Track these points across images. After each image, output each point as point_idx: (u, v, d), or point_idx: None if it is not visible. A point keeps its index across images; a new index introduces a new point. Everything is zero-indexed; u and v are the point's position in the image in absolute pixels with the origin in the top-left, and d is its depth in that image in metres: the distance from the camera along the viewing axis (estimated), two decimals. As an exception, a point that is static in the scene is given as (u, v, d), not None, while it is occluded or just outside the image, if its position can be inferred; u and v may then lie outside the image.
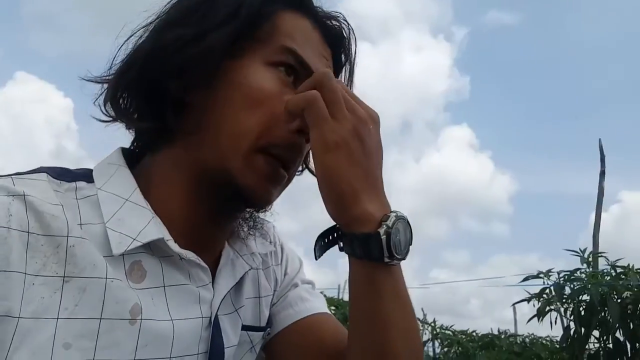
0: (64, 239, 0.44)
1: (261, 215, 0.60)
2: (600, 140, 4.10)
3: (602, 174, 4.03)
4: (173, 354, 0.47)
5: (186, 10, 0.53)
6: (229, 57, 0.51)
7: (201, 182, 0.53)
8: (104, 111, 0.55)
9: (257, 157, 0.51)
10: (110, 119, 0.55)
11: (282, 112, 0.52)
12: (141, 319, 0.45)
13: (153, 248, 0.49)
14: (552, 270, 2.66)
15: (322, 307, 0.66)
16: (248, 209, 0.57)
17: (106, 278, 0.44)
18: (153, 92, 0.52)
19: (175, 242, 0.49)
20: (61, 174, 0.49)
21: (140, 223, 0.48)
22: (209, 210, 0.54)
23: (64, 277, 0.43)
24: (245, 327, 0.57)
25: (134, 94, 0.53)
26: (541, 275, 2.68)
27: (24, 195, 0.43)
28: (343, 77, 0.62)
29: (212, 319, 0.52)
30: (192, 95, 0.52)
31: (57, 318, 0.41)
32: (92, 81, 0.55)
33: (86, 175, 0.51)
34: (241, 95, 0.51)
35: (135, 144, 0.58)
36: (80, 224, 0.46)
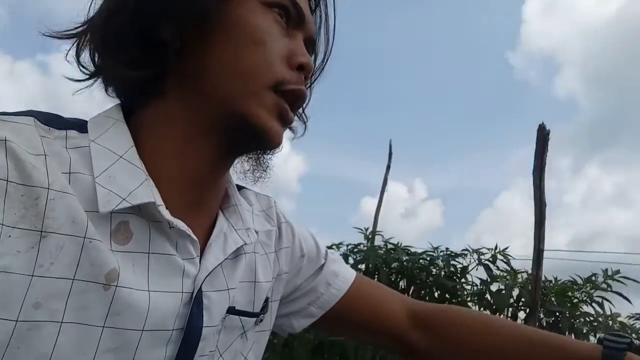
0: (45, 191, 0.40)
1: (265, 168, 0.57)
2: (390, 140, 4.85)
3: (388, 167, 4.79)
4: (146, 327, 0.44)
5: None
6: None
7: (204, 130, 0.50)
8: (81, 67, 0.51)
9: (268, 95, 0.49)
10: (87, 76, 0.52)
11: (284, 53, 0.51)
12: (116, 286, 0.42)
13: (143, 210, 0.46)
14: (342, 243, 3.16)
15: (351, 271, 0.70)
16: (256, 152, 0.55)
17: (84, 237, 0.41)
18: (146, 39, 0.48)
19: (166, 208, 0.47)
20: (51, 120, 0.46)
21: (132, 183, 0.45)
22: (208, 163, 0.51)
23: (41, 231, 0.39)
24: (236, 312, 0.53)
25: (125, 41, 0.49)
26: (334, 247, 3.16)
27: (5, 140, 0.40)
28: (318, 15, 0.60)
29: (194, 294, 0.48)
30: (187, 40, 0.49)
31: (32, 275, 0.38)
32: (63, 37, 0.51)
33: (79, 125, 0.47)
34: (244, 34, 0.49)
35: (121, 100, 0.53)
36: (69, 173, 0.43)
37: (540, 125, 2.74)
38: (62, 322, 0.40)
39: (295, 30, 0.53)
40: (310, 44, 0.57)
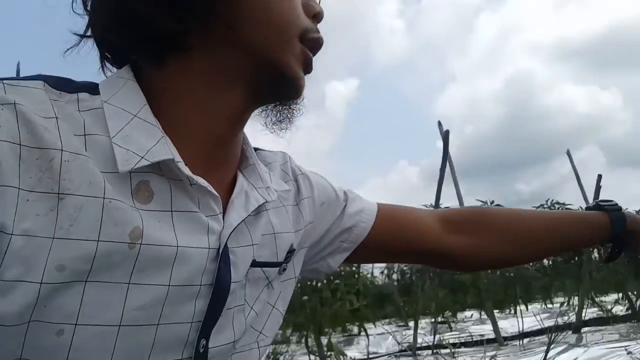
0: (58, 153, 0.40)
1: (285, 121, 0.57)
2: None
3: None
4: (172, 282, 0.44)
5: None
6: None
7: (230, 82, 0.50)
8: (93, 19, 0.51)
9: (297, 44, 0.51)
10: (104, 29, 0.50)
11: (302, 2, 0.53)
12: (141, 244, 0.42)
13: (163, 168, 0.46)
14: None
15: (373, 203, 0.71)
16: (279, 103, 0.56)
17: (104, 198, 0.41)
18: None
19: (185, 165, 0.46)
20: (61, 84, 0.45)
21: (150, 141, 0.45)
22: (229, 117, 0.51)
23: (58, 193, 0.39)
24: (259, 264, 0.54)
25: None
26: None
27: (15, 103, 0.40)
28: None
29: (221, 250, 0.48)
30: None
31: (53, 238, 0.39)
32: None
33: (90, 87, 0.47)
34: None
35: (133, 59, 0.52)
36: (84, 135, 0.43)
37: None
38: (86, 281, 0.40)
39: None
40: None
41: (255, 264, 0.53)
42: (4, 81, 0.42)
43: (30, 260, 0.38)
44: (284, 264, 0.58)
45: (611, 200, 0.74)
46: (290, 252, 0.59)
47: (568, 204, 6.41)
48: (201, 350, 0.47)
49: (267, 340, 0.57)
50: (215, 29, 0.48)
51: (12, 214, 0.37)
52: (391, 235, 0.70)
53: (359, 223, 0.68)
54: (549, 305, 6.56)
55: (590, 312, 4.78)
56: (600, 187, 4.66)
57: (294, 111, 0.56)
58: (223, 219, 0.50)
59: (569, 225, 0.72)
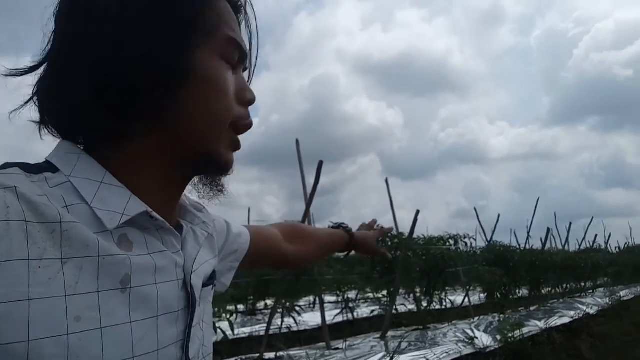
0: (58, 225, 0.46)
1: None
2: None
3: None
4: (159, 312, 0.53)
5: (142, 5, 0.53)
6: (189, 52, 0.55)
7: (182, 164, 0.58)
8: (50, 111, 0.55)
9: (227, 133, 0.59)
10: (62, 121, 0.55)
11: (235, 93, 0.60)
12: (130, 287, 0.50)
13: (134, 223, 0.53)
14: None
15: (245, 228, 0.90)
16: (214, 177, 0.64)
17: (98, 256, 0.48)
18: (122, 87, 0.52)
19: None
20: (25, 167, 0.50)
21: (122, 200, 0.52)
22: (176, 185, 0.61)
23: (62, 259, 0.46)
24: (204, 284, 0.64)
25: (100, 89, 0.51)
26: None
27: (15, 187, 0.46)
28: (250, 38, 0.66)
29: (189, 280, 0.58)
30: (159, 89, 0.53)
31: (65, 295, 0.45)
32: (21, 73, 0.54)
33: (47, 167, 0.52)
34: (211, 85, 0.56)
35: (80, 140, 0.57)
36: (66, 206, 0.49)
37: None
38: (101, 328, 0.47)
39: (238, 68, 0.62)
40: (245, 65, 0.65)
41: (204, 285, 0.63)
42: None
43: (55, 317, 0.44)
44: (214, 282, 0.70)
45: (344, 223, 1.19)
46: (214, 272, 0.70)
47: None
48: None
49: (211, 354, 0.67)
50: (157, 124, 0.55)
51: (27, 282, 0.43)
52: (260, 250, 0.90)
53: (241, 245, 0.84)
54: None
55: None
56: (417, 220, 6.17)
57: (223, 185, 0.66)
58: (183, 253, 0.59)
59: (331, 238, 1.13)
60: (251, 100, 0.63)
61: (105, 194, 0.51)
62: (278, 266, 1.08)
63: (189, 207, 0.68)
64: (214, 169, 0.61)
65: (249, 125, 0.62)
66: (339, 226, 1.17)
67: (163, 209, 0.57)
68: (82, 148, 0.55)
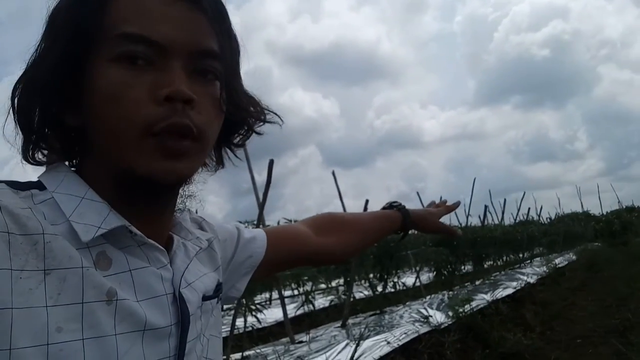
0: (41, 237, 0.47)
1: (187, 190, 0.65)
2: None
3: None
4: (147, 327, 0.53)
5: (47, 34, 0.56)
6: (79, 67, 0.54)
7: (119, 183, 0.55)
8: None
9: (144, 142, 0.51)
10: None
11: (146, 94, 0.52)
12: (117, 300, 0.50)
13: (113, 240, 0.53)
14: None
15: (261, 231, 0.86)
16: (166, 191, 0.59)
17: (82, 267, 0.49)
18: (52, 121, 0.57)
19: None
20: (12, 184, 0.52)
21: (101, 215, 0.52)
22: (136, 204, 0.57)
23: (44, 270, 0.46)
24: (206, 298, 0.64)
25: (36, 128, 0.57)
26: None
27: None
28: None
29: (177, 294, 0.57)
30: (75, 115, 0.56)
31: (46, 306, 0.46)
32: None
33: (35, 185, 0.54)
34: (100, 96, 0.52)
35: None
36: (48, 221, 0.50)
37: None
38: (83, 339, 0.47)
39: (165, 60, 0.53)
40: (202, 55, 0.55)
41: (204, 298, 0.63)
42: None
43: (35, 328, 0.44)
44: (220, 295, 0.70)
45: (396, 202, 1.09)
46: (219, 285, 0.70)
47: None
48: None
49: None
50: (85, 145, 0.57)
51: (9, 291, 0.44)
52: (283, 251, 0.86)
53: (255, 250, 0.81)
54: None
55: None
56: (367, 209, 5.89)
57: (187, 192, 0.65)
58: (172, 267, 0.59)
59: (380, 221, 1.04)
60: (169, 96, 0.51)
61: (86, 209, 0.52)
62: (319, 263, 1.01)
63: (184, 223, 0.67)
64: (144, 183, 0.53)
65: (172, 127, 0.52)
66: (390, 206, 1.09)
67: (146, 226, 0.56)
68: (74, 169, 0.58)
